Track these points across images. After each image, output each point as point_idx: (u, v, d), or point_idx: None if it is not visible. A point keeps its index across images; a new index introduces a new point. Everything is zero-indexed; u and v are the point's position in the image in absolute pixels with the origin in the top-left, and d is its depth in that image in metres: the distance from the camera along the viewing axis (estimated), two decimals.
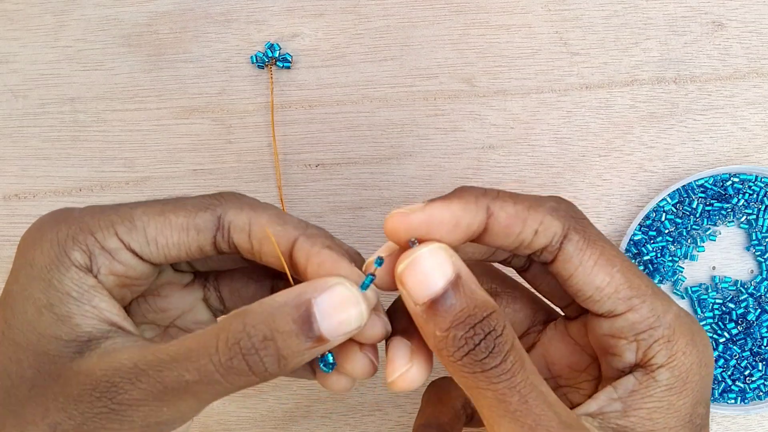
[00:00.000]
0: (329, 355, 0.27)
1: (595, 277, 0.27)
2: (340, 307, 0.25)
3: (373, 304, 0.27)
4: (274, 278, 0.34)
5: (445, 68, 0.43)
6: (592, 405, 0.28)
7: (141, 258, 0.28)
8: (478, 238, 0.28)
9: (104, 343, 0.26)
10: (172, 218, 0.28)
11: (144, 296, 0.32)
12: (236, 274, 0.33)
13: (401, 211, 0.26)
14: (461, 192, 0.27)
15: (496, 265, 0.33)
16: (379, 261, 0.27)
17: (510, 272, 0.32)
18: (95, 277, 0.27)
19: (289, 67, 0.43)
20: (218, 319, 0.27)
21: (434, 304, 0.25)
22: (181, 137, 0.44)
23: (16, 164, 0.44)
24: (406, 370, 0.27)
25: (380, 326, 0.27)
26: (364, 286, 0.26)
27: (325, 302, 0.25)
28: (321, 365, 0.27)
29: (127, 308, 0.31)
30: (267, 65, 0.43)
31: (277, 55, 0.43)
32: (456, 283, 0.25)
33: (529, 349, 0.32)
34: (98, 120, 0.44)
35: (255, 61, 0.43)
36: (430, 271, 0.26)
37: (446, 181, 0.43)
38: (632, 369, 0.28)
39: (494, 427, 0.26)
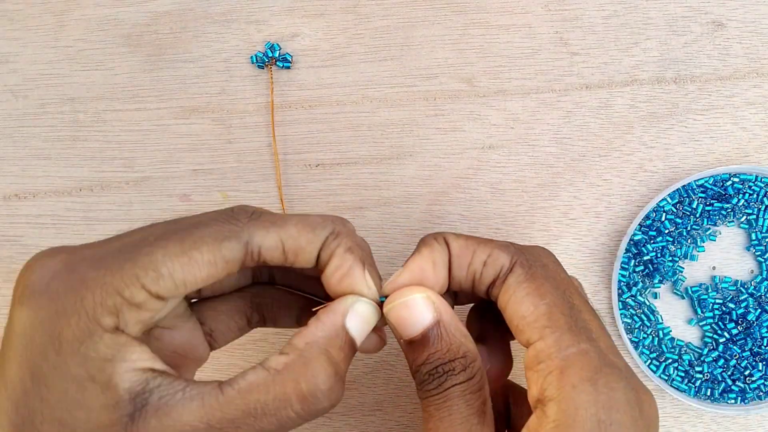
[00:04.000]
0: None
1: (521, 306, 0.29)
2: (366, 322, 0.30)
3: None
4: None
5: (445, 68, 0.43)
6: None
7: (166, 299, 0.28)
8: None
9: (151, 400, 0.26)
10: (197, 256, 0.27)
11: None
12: None
13: (391, 285, 0.30)
14: (423, 239, 0.31)
15: None
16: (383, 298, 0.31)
17: None
18: (124, 332, 0.26)
19: (289, 67, 0.43)
20: (270, 361, 0.28)
21: (413, 342, 0.29)
22: (181, 137, 0.44)
23: (16, 164, 0.44)
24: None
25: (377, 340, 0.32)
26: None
27: (355, 322, 0.29)
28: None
29: None
30: (267, 65, 0.43)
31: (277, 55, 0.43)
32: (436, 329, 0.29)
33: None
34: (98, 120, 0.44)
35: (255, 61, 0.43)
36: (411, 318, 0.29)
37: (446, 181, 0.43)
38: (535, 406, 0.28)
39: None
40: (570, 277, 0.32)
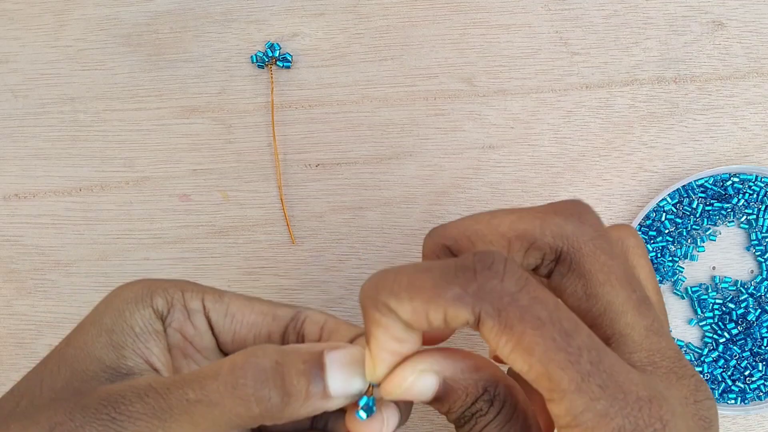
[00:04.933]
0: (371, 399, 0.26)
1: (514, 362, 0.24)
2: (352, 364, 0.26)
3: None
4: None
5: (445, 68, 0.43)
6: None
7: (212, 329, 0.30)
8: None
9: (136, 376, 0.27)
10: (256, 304, 0.30)
11: None
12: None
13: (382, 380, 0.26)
14: (365, 311, 0.25)
15: None
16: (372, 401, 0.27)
17: None
18: (163, 324, 0.29)
19: (289, 67, 0.43)
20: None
21: (431, 402, 0.26)
22: (181, 137, 0.44)
23: (16, 164, 0.44)
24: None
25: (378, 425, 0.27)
26: (367, 410, 0.27)
27: (339, 357, 0.26)
28: (360, 411, 0.26)
29: None
30: (267, 65, 0.43)
31: (277, 55, 0.43)
32: (442, 386, 0.26)
33: None
34: (98, 120, 0.44)
35: (255, 60, 0.43)
36: (416, 395, 0.26)
37: (446, 181, 0.43)
38: None
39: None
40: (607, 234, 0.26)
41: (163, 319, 0.29)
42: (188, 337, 0.30)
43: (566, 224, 0.25)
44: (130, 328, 0.28)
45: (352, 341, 0.29)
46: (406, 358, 0.26)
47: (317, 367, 0.26)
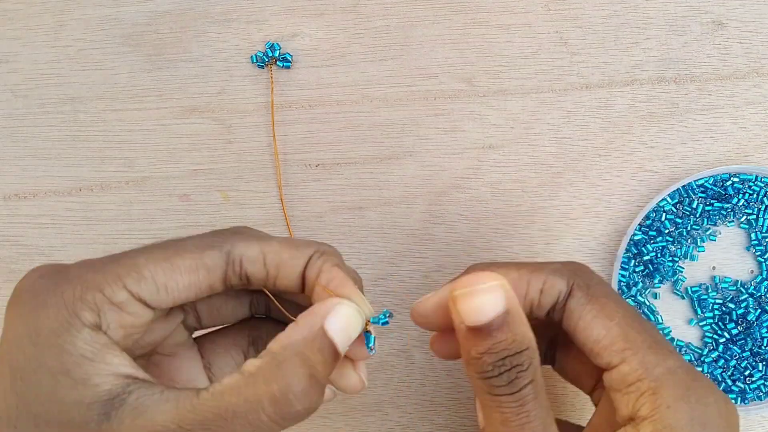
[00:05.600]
0: (372, 338, 0.30)
1: (593, 330, 0.29)
2: (348, 326, 0.28)
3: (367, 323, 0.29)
4: (251, 294, 0.34)
5: (445, 68, 0.43)
6: None
7: (149, 306, 0.28)
8: None
9: (128, 400, 0.26)
10: (179, 261, 0.28)
11: None
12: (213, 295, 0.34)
13: (425, 298, 0.31)
14: (471, 267, 0.31)
15: None
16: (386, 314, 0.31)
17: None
18: (105, 333, 0.27)
19: (289, 67, 0.43)
20: (246, 365, 0.27)
21: (478, 330, 0.27)
22: (181, 137, 0.44)
23: (16, 164, 0.44)
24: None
25: (365, 350, 0.30)
26: (381, 321, 0.30)
27: (336, 323, 0.28)
28: (368, 348, 0.30)
29: None
30: (267, 65, 0.43)
31: (277, 55, 0.43)
32: (503, 318, 0.27)
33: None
34: (98, 120, 0.44)
35: (255, 60, 0.43)
36: (483, 305, 0.28)
37: (446, 181, 0.43)
38: (625, 423, 0.28)
39: None
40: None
41: (100, 328, 0.27)
42: (131, 325, 0.28)
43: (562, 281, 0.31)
44: (82, 357, 0.25)
45: (304, 269, 0.29)
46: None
47: (330, 348, 0.28)
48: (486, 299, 0.28)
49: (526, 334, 0.28)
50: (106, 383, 0.26)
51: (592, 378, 0.33)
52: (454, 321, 0.28)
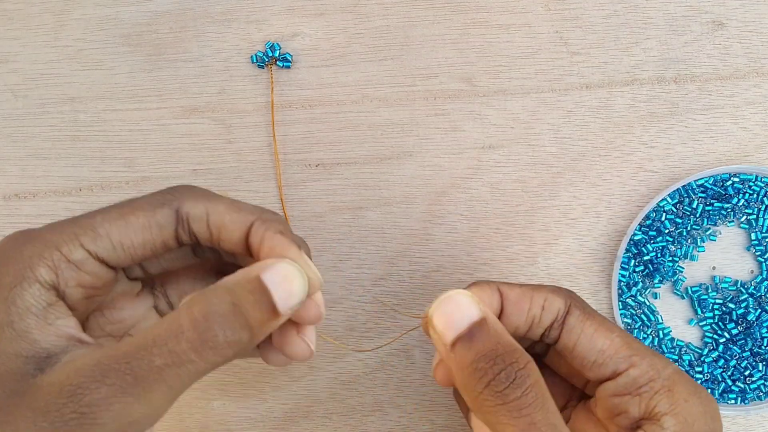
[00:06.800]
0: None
1: (596, 342, 0.31)
2: (286, 280, 0.28)
3: (315, 288, 0.29)
4: (220, 275, 0.34)
5: (445, 68, 0.43)
6: None
7: (107, 264, 0.28)
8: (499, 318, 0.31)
9: (64, 357, 0.26)
10: (132, 219, 0.28)
11: (100, 309, 0.32)
12: (182, 277, 0.34)
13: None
14: (475, 283, 0.32)
15: None
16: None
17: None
18: (62, 292, 0.27)
19: (289, 67, 0.43)
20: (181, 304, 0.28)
21: (459, 341, 0.28)
22: (181, 137, 0.44)
23: (16, 164, 0.44)
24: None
25: (315, 308, 0.30)
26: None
27: (274, 276, 0.27)
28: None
29: (85, 323, 0.31)
30: (267, 65, 0.43)
31: (277, 55, 0.43)
32: (481, 324, 0.28)
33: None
34: (98, 120, 0.44)
35: (255, 60, 0.43)
36: (455, 311, 0.29)
37: (446, 181, 0.43)
38: (639, 425, 0.30)
39: None
40: None
41: (56, 287, 0.27)
42: (89, 285, 0.28)
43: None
44: (27, 310, 0.26)
45: (248, 232, 0.29)
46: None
47: (262, 293, 0.27)
48: (458, 303, 0.29)
49: (510, 340, 0.29)
50: (45, 341, 0.26)
51: (563, 397, 0.34)
52: (437, 348, 0.30)
